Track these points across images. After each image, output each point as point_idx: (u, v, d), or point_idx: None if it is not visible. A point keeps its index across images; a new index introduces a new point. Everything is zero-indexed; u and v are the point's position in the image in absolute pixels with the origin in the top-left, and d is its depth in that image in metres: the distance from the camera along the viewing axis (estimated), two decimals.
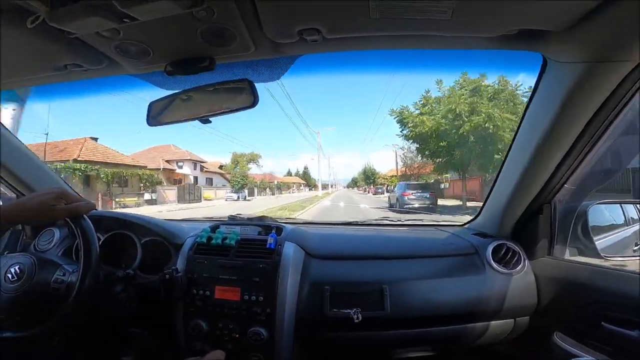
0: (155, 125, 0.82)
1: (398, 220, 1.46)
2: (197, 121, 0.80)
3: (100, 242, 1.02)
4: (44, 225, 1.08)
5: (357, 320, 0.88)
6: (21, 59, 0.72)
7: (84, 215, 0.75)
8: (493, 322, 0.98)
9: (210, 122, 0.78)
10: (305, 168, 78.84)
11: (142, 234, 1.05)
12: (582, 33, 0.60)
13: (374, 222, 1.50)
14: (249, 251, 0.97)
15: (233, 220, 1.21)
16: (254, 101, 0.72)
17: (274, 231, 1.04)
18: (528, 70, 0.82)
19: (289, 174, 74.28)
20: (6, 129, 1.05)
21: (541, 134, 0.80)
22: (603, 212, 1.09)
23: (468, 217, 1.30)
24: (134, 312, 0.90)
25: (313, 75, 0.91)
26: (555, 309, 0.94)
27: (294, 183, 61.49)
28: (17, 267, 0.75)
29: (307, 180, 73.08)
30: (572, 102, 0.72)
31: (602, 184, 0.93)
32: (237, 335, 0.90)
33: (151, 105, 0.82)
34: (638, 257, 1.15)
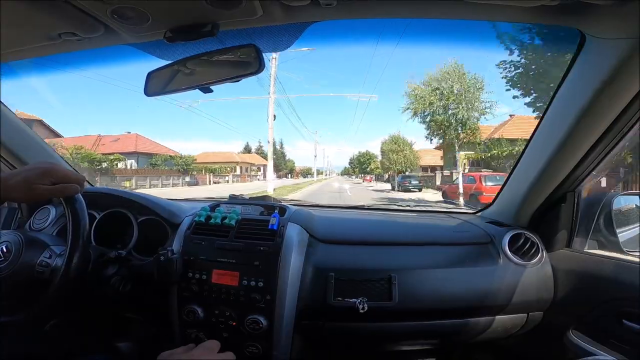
0: (154, 95, 0.76)
1: (407, 206, 1.41)
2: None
3: (95, 221, 0.98)
4: (38, 203, 1.04)
5: (362, 311, 0.83)
6: (13, 27, 0.67)
7: (77, 196, 0.69)
8: (505, 316, 0.94)
9: (211, 91, 0.73)
10: (280, 146, 54.85)
11: (139, 212, 1.00)
12: (631, 6, 0.54)
13: (383, 206, 1.45)
14: (249, 232, 0.91)
15: (234, 200, 1.15)
16: (259, 67, 0.66)
17: (276, 211, 0.98)
18: (561, 47, 0.76)
19: (247, 150, 50.52)
20: (5, 105, 1.00)
21: (574, 117, 0.74)
22: (627, 204, 1.03)
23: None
24: (129, 296, 0.85)
25: (326, 46, 0.84)
26: (572, 304, 0.89)
27: (245, 164, 36.75)
28: (4, 246, 0.71)
29: (281, 163, 52.50)
30: (612, 82, 0.65)
31: (632, 173, 0.87)
32: (234, 323, 0.85)
33: (150, 75, 0.76)
34: None
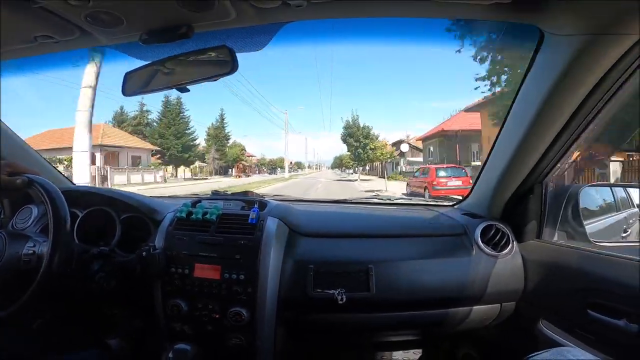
0: (131, 95, 0.79)
1: (388, 199, 1.44)
2: None
3: (78, 220, 1.00)
4: (21, 201, 1.05)
5: (341, 302, 0.86)
6: None
7: (55, 191, 0.72)
8: (479, 307, 0.97)
9: (188, 90, 0.75)
10: (219, 120, 30.26)
11: (122, 210, 1.02)
12: (583, 3, 0.57)
13: (364, 200, 1.48)
14: (230, 227, 0.93)
15: (216, 195, 1.17)
16: (232, 67, 0.68)
17: (256, 206, 1.00)
18: (524, 45, 0.79)
19: (119, 121, 24.40)
20: None
21: (535, 111, 0.77)
22: (594, 195, 1.08)
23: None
24: (114, 292, 0.87)
25: (298, 45, 0.87)
26: (542, 294, 0.93)
27: None
28: None
29: (191, 150, 23.67)
30: (569, 77, 0.69)
31: (597, 164, 0.91)
32: (217, 316, 0.87)
33: (127, 76, 0.79)
34: (629, 243, 1.15)
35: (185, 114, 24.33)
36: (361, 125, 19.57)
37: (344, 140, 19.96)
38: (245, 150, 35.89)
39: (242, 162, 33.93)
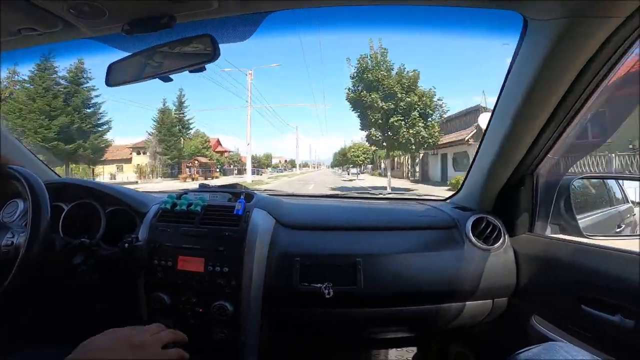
0: (115, 85, 0.78)
1: (380, 194, 1.43)
2: None
3: (63, 213, 0.99)
4: (8, 196, 1.04)
5: (328, 296, 0.84)
6: None
7: (35, 177, 0.71)
8: (471, 303, 0.95)
9: (171, 79, 0.75)
10: (177, 103, 21.99)
11: (108, 202, 1.00)
12: None
13: (356, 194, 1.46)
14: (215, 218, 0.92)
15: (203, 187, 1.16)
16: (214, 55, 0.68)
17: (242, 197, 0.99)
18: (508, 33, 0.79)
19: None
20: None
21: (522, 100, 0.76)
22: (586, 188, 1.06)
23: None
24: (97, 286, 0.86)
25: (284, 35, 0.87)
26: (534, 290, 0.91)
27: None
28: None
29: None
30: (553, 63, 0.68)
31: (587, 153, 0.90)
32: (200, 310, 0.85)
33: (110, 67, 0.78)
34: (623, 238, 1.13)
35: (90, 83, 14.84)
36: (394, 70, 9.53)
37: (355, 101, 9.90)
38: (216, 143, 26.96)
39: (199, 158, 23.51)
